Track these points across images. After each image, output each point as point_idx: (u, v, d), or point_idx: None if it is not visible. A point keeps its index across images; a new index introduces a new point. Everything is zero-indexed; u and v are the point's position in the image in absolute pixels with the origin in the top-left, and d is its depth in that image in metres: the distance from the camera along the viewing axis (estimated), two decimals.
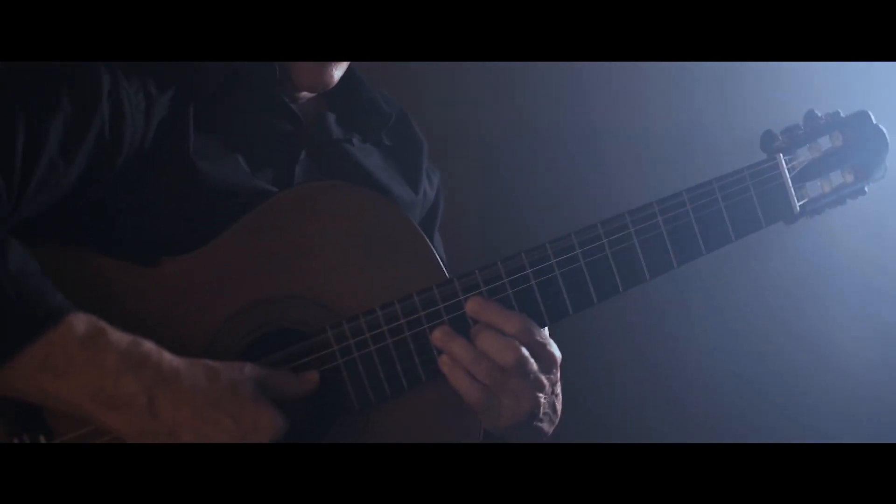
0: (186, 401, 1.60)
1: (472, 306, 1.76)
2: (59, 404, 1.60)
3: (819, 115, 2.01)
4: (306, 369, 1.75)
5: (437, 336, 1.75)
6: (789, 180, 1.94)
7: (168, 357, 1.61)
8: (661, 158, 2.57)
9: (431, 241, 1.87)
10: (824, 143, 1.99)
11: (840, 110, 2.01)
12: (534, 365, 1.76)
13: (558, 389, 1.84)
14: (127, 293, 1.70)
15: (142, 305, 1.71)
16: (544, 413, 1.81)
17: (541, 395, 1.78)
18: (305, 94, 1.95)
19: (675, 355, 2.75)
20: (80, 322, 1.58)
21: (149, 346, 1.61)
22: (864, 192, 2.02)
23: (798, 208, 1.95)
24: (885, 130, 2.00)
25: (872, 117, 2.00)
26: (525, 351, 1.75)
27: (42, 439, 1.66)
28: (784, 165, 1.94)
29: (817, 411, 2.73)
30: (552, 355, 1.79)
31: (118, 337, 1.59)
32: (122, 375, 1.58)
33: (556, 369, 1.81)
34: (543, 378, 1.78)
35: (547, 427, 1.84)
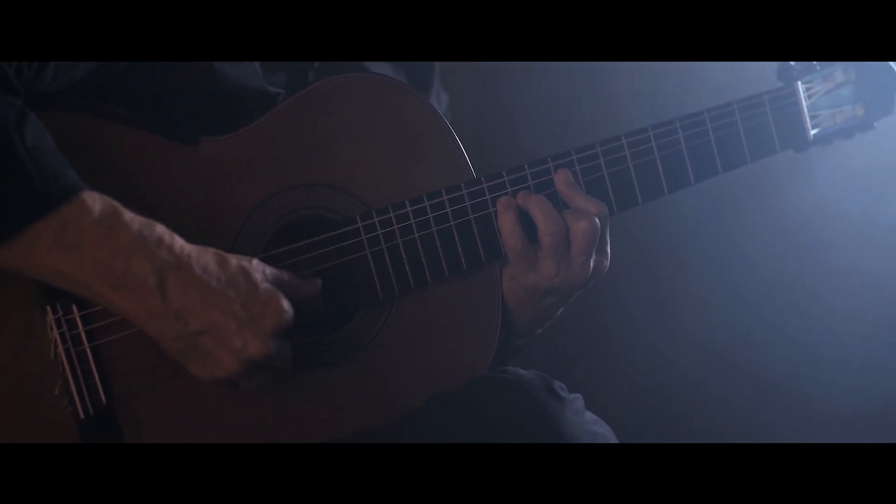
0: (196, 285, 1.60)
1: (562, 178, 1.83)
2: (67, 282, 1.59)
3: None
4: (334, 257, 1.78)
5: (523, 193, 1.82)
6: (805, 107, 2.00)
7: (180, 241, 1.61)
8: (663, 86, 2.60)
9: None
10: (838, 76, 2.06)
11: None
12: (592, 247, 1.82)
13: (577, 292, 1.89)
14: (165, 169, 1.71)
15: (178, 182, 1.72)
16: (562, 299, 1.88)
17: (578, 280, 1.84)
18: None
19: (671, 352, 2.78)
20: (95, 200, 1.57)
21: (161, 228, 1.60)
22: (872, 127, 2.09)
23: (811, 136, 2.02)
24: (894, 68, 2.07)
25: None
26: (598, 229, 1.81)
27: (74, 308, 1.67)
28: (802, 93, 2.00)
29: (813, 409, 2.78)
30: (607, 255, 1.86)
31: (132, 217, 1.58)
32: (133, 255, 1.57)
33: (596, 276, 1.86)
34: (591, 265, 1.83)
35: (552, 313, 1.92)
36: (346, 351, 1.79)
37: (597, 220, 1.81)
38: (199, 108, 1.76)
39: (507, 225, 1.81)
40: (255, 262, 1.67)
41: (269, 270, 1.67)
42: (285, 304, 1.64)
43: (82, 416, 1.68)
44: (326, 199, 1.78)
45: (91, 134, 1.68)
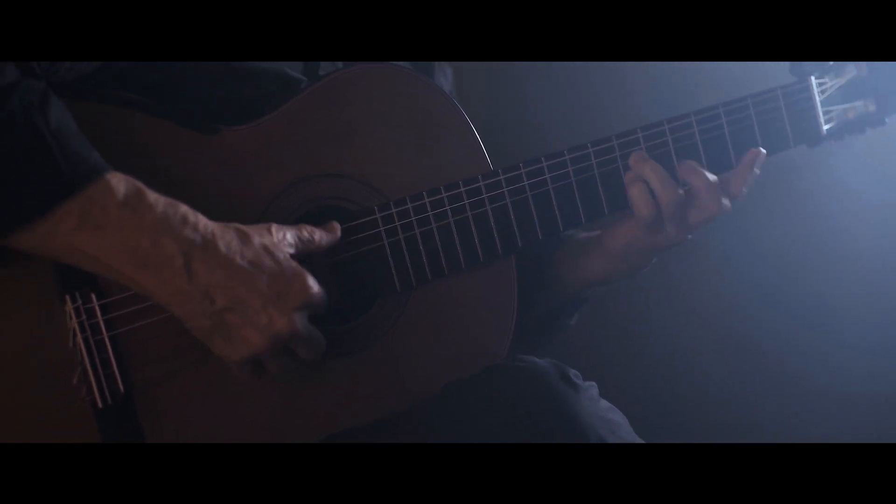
0: (222, 263, 1.61)
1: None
2: (93, 264, 1.60)
3: None
4: (352, 248, 1.79)
5: (634, 158, 1.86)
6: (819, 103, 2.01)
7: (203, 220, 1.62)
8: (677, 80, 2.60)
9: None
10: (850, 71, 2.06)
11: None
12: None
13: None
14: (185, 159, 1.72)
15: (198, 172, 1.72)
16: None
17: (683, 238, 1.91)
18: None
19: (691, 331, 2.79)
20: (119, 181, 1.57)
21: (185, 208, 1.61)
22: (884, 123, 2.10)
23: (825, 131, 2.03)
24: None
25: None
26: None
27: (93, 297, 1.68)
28: (815, 88, 2.01)
29: (828, 400, 2.76)
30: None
31: (156, 198, 1.59)
32: (159, 235, 1.58)
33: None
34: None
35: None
36: (363, 340, 1.80)
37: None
38: (219, 91, 1.77)
39: (639, 196, 1.86)
40: (275, 230, 1.67)
41: (289, 234, 1.68)
42: (311, 281, 1.65)
43: (100, 405, 1.69)
44: (344, 189, 1.79)
45: (108, 123, 1.68)
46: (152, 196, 1.59)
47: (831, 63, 2.05)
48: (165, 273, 1.58)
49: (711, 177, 1.89)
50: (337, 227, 1.75)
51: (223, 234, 1.62)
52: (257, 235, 1.65)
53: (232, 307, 1.61)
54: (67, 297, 1.67)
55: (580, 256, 2.04)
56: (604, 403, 1.78)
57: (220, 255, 1.61)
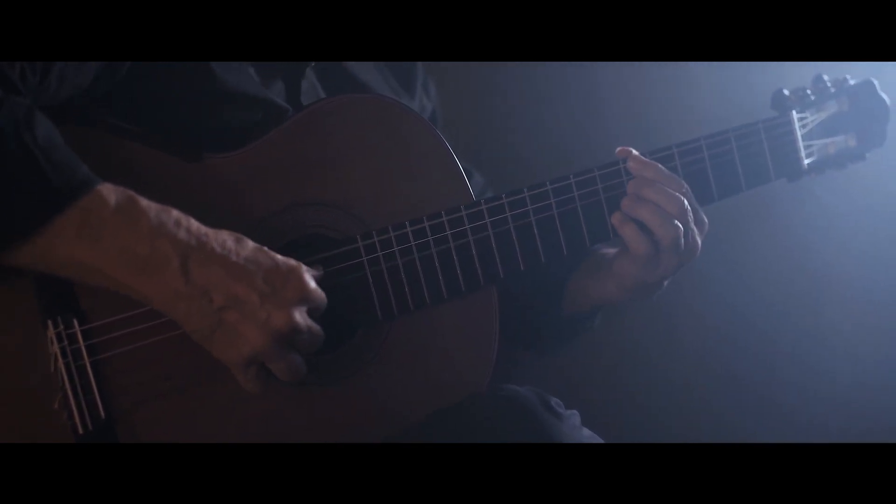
0: (218, 261, 1.62)
1: (634, 164, 1.89)
2: (91, 274, 1.60)
3: (827, 79, 2.10)
4: (335, 277, 1.79)
5: (626, 202, 1.88)
6: (800, 137, 2.03)
7: (196, 223, 1.63)
8: (658, 113, 2.62)
9: None
10: (831, 106, 2.09)
11: (848, 76, 2.10)
12: (692, 221, 1.89)
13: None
14: (167, 186, 1.71)
15: (183, 200, 1.70)
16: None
17: (694, 254, 1.91)
18: None
19: (673, 355, 2.80)
20: (110, 190, 1.58)
21: (177, 212, 1.62)
22: (864, 158, 2.12)
23: (805, 165, 2.04)
24: (887, 100, 2.10)
25: (877, 86, 2.10)
26: (688, 204, 1.87)
27: (76, 322, 1.68)
28: (796, 122, 2.03)
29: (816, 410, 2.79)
30: (704, 220, 1.93)
31: (148, 204, 1.60)
32: (155, 239, 1.59)
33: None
34: (699, 240, 1.91)
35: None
36: (345, 369, 1.80)
37: (684, 199, 1.87)
38: (205, 118, 1.78)
39: (632, 236, 1.88)
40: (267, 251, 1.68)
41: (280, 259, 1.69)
42: (307, 276, 1.66)
43: (81, 431, 1.68)
44: (328, 218, 1.80)
45: (93, 149, 1.68)
46: (144, 202, 1.60)
47: (813, 98, 2.07)
48: (163, 276, 1.59)
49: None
50: (320, 267, 1.76)
51: (216, 235, 1.63)
52: (250, 240, 1.66)
53: (230, 305, 1.62)
54: (49, 323, 1.67)
55: (587, 279, 2.06)
56: (586, 432, 1.79)
57: (216, 253, 1.62)
